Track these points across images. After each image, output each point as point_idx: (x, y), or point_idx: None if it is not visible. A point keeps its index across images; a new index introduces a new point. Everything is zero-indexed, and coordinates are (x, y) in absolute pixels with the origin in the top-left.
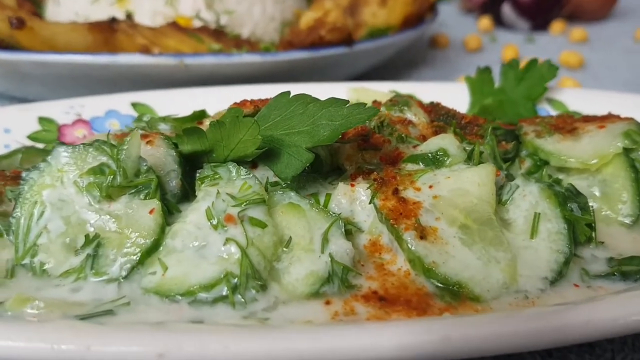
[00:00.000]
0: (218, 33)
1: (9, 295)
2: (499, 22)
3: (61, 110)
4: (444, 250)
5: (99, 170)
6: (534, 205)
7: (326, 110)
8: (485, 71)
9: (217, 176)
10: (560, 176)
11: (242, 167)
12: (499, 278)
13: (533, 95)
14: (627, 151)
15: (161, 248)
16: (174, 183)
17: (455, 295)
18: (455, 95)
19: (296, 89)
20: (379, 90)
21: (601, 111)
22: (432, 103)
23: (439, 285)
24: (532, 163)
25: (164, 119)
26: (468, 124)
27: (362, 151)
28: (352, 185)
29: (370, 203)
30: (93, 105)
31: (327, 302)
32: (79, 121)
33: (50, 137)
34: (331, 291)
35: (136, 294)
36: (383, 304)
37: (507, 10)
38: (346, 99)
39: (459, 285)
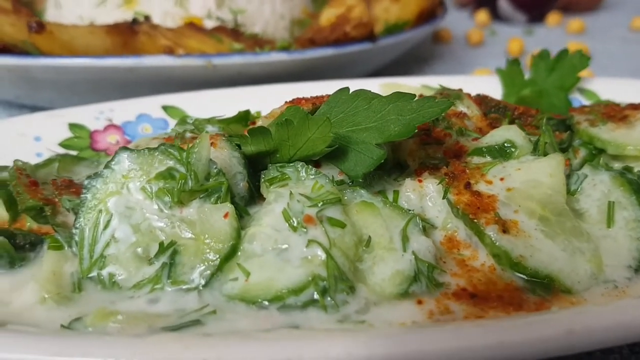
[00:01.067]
0: (236, 32)
1: (82, 310)
2: (496, 15)
3: (91, 115)
4: (528, 243)
5: (168, 174)
6: (606, 194)
7: (393, 105)
8: (515, 63)
9: (286, 177)
10: (616, 164)
11: (310, 167)
12: (586, 269)
13: (565, 86)
14: None
15: (239, 253)
16: (241, 185)
17: (546, 288)
18: (481, 88)
19: (324, 86)
20: (410, 84)
21: (634, 99)
22: (479, 95)
23: (528, 279)
24: (586, 152)
25: (209, 121)
26: (521, 115)
27: (424, 146)
28: (420, 181)
29: (443, 198)
30: (123, 110)
31: (419, 302)
32: (111, 126)
33: (83, 144)
34: (420, 290)
35: (219, 301)
36: (476, 301)
37: (503, 3)
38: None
39: (549, 278)
